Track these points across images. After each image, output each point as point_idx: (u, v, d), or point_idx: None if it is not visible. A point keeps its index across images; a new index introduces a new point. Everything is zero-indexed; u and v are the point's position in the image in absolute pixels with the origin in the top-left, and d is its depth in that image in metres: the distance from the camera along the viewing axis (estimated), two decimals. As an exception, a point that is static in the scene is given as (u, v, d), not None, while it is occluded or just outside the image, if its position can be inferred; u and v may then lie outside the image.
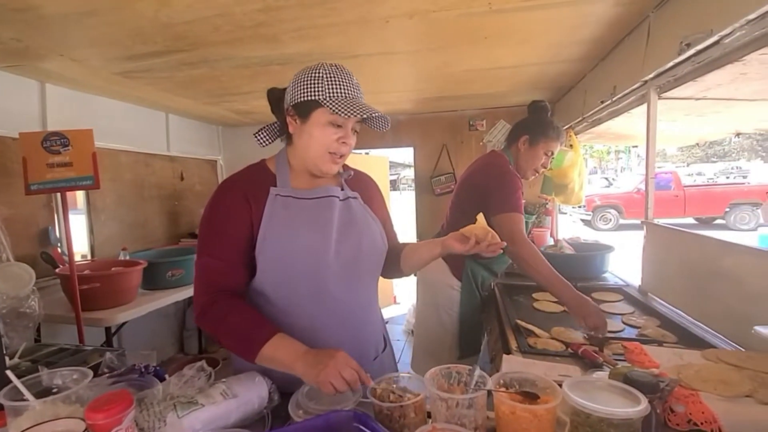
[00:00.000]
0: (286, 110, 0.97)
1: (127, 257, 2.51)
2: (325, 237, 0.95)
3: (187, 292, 2.45)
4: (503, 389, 0.75)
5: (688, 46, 1.27)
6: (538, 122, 1.73)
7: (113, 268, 2.16)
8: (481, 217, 1.04)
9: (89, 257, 2.65)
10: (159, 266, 2.37)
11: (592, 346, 1.16)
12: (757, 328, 0.76)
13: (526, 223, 1.79)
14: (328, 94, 0.90)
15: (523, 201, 1.65)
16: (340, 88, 0.91)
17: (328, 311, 0.96)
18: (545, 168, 1.78)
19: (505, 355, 1.15)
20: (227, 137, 4.03)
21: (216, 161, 3.99)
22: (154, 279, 2.35)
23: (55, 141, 1.79)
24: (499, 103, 3.37)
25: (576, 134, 2.86)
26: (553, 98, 3.23)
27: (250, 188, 0.96)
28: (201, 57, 1.95)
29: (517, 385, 0.77)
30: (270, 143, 1.04)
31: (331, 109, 0.89)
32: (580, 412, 0.68)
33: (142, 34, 1.66)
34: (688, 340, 1.23)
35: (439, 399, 0.73)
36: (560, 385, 0.71)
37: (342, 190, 1.03)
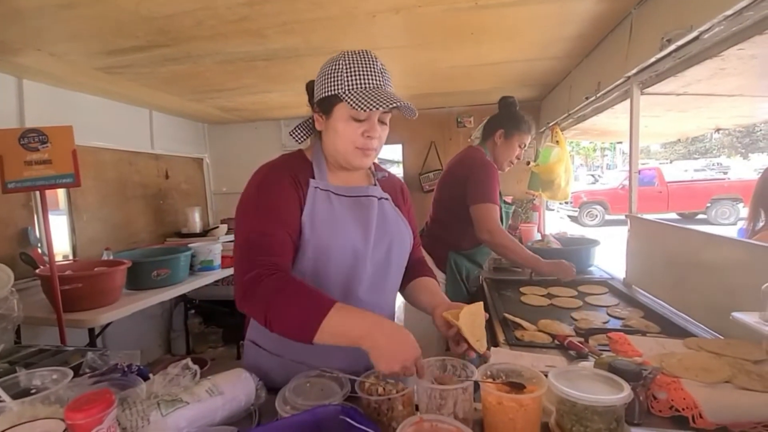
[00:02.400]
0: (313, 107, 0.95)
1: (111, 257, 2.46)
2: (365, 237, 0.93)
3: (173, 291, 2.42)
4: (490, 380, 0.76)
5: (669, 41, 1.29)
6: (510, 116, 1.87)
7: (96, 268, 2.11)
8: (465, 313, 0.85)
9: (71, 258, 2.59)
10: (144, 266, 2.32)
11: (578, 337, 1.19)
12: (734, 314, 0.78)
13: (507, 213, 1.97)
14: (347, 88, 0.85)
15: (499, 189, 1.82)
16: (361, 79, 0.85)
17: None
18: (519, 159, 1.93)
19: (493, 348, 1.16)
20: (214, 135, 3.96)
21: (202, 159, 3.93)
22: (138, 279, 2.31)
23: (33, 138, 1.74)
24: (487, 100, 3.39)
25: (562, 130, 2.90)
26: (539, 95, 3.26)
27: (296, 174, 0.92)
28: (184, 52, 1.91)
29: (503, 376, 0.77)
30: (305, 139, 1.01)
31: (349, 103, 0.84)
32: (565, 400, 0.69)
33: (123, 28, 1.62)
34: (671, 329, 1.26)
35: (426, 391, 0.74)
36: (546, 376, 0.72)
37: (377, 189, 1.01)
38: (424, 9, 1.56)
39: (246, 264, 0.81)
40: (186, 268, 2.57)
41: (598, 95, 1.99)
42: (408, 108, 0.89)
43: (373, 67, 0.87)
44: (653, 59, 1.43)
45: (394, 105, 0.84)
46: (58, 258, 2.43)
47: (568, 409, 0.69)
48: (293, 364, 0.91)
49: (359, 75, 0.86)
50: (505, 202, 2.04)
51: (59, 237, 2.47)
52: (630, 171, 1.82)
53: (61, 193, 2.60)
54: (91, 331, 2.02)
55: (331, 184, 0.95)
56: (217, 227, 3.38)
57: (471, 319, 0.84)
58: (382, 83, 0.88)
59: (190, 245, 2.75)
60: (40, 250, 2.25)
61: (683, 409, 0.75)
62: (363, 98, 0.83)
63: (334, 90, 0.87)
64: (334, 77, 0.87)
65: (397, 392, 0.76)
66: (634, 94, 1.67)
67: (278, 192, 0.88)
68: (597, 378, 0.73)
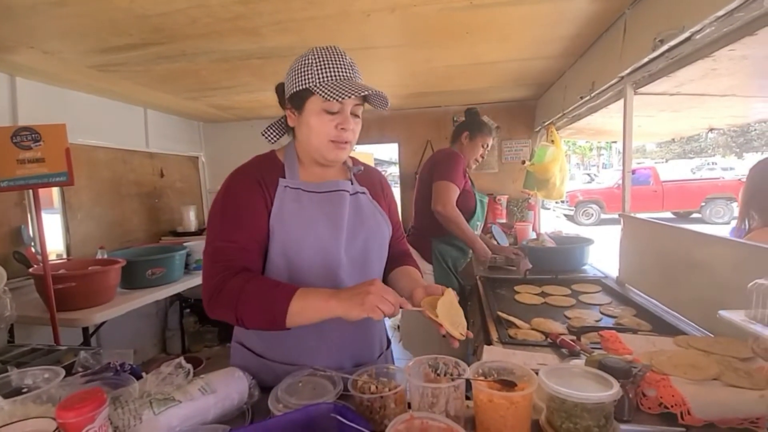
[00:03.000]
0: (284, 105, 0.95)
1: (105, 256, 2.45)
2: (336, 232, 0.93)
3: (168, 290, 2.41)
4: (482, 378, 0.76)
5: (662, 42, 1.30)
6: (473, 122, 2.19)
7: (90, 267, 2.10)
8: (441, 303, 0.85)
9: (65, 256, 2.58)
10: (138, 265, 2.31)
11: (571, 335, 1.20)
12: (721, 312, 0.79)
13: (481, 202, 2.19)
14: (318, 80, 0.86)
15: (469, 180, 2.13)
16: (331, 71, 0.86)
17: None
18: (483, 158, 2.24)
19: (486, 346, 1.17)
20: (209, 133, 3.95)
21: (197, 158, 3.92)
22: (133, 278, 2.30)
23: (25, 136, 1.73)
24: (483, 99, 3.40)
25: (557, 130, 2.91)
26: (535, 94, 3.27)
27: (263, 175, 0.92)
28: (179, 50, 1.90)
29: (495, 373, 0.78)
30: (278, 139, 1.01)
31: (320, 94, 0.85)
32: (555, 397, 0.69)
33: (117, 26, 1.61)
34: (662, 327, 1.27)
35: (418, 389, 0.74)
36: (537, 373, 0.73)
37: (351, 184, 1.01)
38: (419, 8, 1.56)
39: (211, 269, 0.85)
40: (181, 267, 2.57)
41: (592, 95, 2.00)
42: (380, 97, 0.90)
43: (343, 61, 0.89)
44: (646, 59, 1.44)
45: (365, 92, 0.86)
46: (52, 257, 2.43)
47: (558, 406, 0.70)
48: (280, 366, 0.92)
49: (329, 68, 0.87)
50: (478, 192, 2.23)
51: (53, 236, 2.46)
52: (623, 170, 1.83)
53: (55, 191, 2.59)
54: (85, 330, 2.01)
55: (303, 181, 0.95)
56: (213, 226, 3.36)
57: (447, 307, 0.86)
58: (352, 75, 0.89)
59: (185, 244, 2.74)
60: (33, 249, 2.24)
61: (672, 406, 0.76)
62: (334, 88, 0.85)
63: (305, 84, 0.87)
64: (304, 72, 0.88)
65: (389, 390, 0.76)
66: (628, 93, 1.68)
67: (243, 197, 0.90)
68: (587, 375, 0.74)
